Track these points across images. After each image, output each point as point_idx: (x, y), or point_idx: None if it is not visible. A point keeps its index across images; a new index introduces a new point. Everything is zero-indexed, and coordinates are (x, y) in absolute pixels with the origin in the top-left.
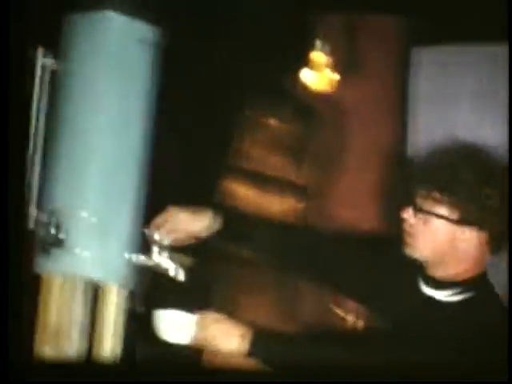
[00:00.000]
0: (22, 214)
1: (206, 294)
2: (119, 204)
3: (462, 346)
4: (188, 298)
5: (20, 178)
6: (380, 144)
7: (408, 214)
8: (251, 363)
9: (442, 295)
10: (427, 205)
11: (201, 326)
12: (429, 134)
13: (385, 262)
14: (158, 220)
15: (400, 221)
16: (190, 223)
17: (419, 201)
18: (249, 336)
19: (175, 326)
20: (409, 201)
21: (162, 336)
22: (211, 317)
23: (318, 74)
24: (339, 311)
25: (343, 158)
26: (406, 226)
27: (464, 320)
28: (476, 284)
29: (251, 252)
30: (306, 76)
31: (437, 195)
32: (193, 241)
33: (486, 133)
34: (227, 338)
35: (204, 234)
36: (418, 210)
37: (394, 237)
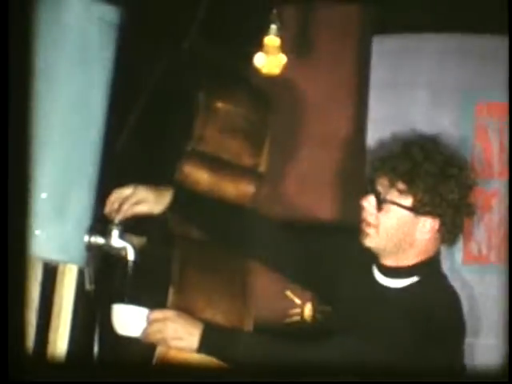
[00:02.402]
0: None
1: (156, 275)
2: (76, 185)
3: (411, 330)
4: (138, 279)
5: None
6: (338, 131)
7: (368, 203)
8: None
9: (394, 283)
10: (388, 194)
11: (151, 321)
12: (388, 123)
13: (340, 250)
14: (116, 195)
15: (358, 209)
16: (150, 199)
17: (379, 190)
18: (199, 332)
19: (127, 319)
20: (368, 189)
21: (115, 328)
22: (162, 313)
23: (272, 59)
24: (295, 298)
25: (300, 145)
26: (365, 215)
27: (410, 304)
28: (423, 269)
29: (200, 232)
30: (260, 60)
31: (399, 185)
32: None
33: (444, 123)
34: (177, 335)
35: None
36: (379, 198)
37: (349, 225)
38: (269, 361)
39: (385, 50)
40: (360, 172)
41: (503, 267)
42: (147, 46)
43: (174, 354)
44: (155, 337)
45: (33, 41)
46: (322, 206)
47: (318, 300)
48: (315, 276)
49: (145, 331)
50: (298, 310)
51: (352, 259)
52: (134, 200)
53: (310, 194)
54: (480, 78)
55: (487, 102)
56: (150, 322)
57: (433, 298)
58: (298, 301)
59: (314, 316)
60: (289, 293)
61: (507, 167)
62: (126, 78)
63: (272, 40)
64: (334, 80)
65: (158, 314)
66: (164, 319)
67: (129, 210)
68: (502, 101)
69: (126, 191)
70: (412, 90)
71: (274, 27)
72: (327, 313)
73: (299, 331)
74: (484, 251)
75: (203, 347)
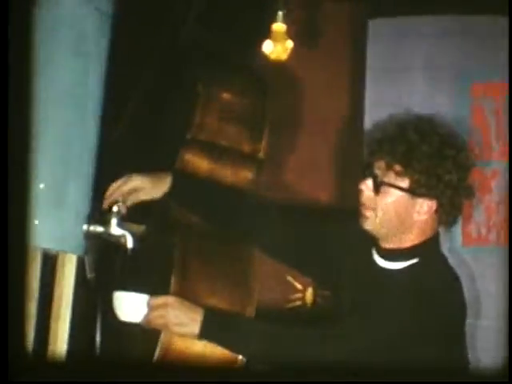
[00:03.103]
0: None
1: (158, 263)
2: (74, 174)
3: (412, 311)
4: (139, 267)
5: None
6: (336, 116)
7: (365, 186)
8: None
9: (394, 265)
10: (385, 177)
11: (153, 306)
12: (386, 106)
13: (339, 234)
14: (115, 185)
15: (356, 193)
16: (147, 186)
17: (377, 173)
18: (200, 318)
19: (128, 306)
20: (366, 173)
21: (117, 315)
22: (164, 298)
23: (280, 45)
24: (296, 284)
25: (299, 131)
26: (363, 198)
27: (410, 286)
28: (422, 250)
29: (200, 219)
30: (268, 47)
31: (396, 167)
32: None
33: (440, 104)
34: (179, 320)
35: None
36: (376, 181)
37: (348, 209)
38: (269, 348)
39: (380, 34)
40: (359, 156)
41: (503, 248)
42: (144, 35)
43: (176, 347)
44: (156, 322)
45: (32, 33)
46: (322, 191)
47: (318, 285)
48: (315, 261)
49: (146, 317)
50: (299, 295)
51: (351, 243)
52: (129, 189)
53: (309, 178)
54: (476, 58)
55: (483, 82)
56: (151, 308)
57: (433, 278)
58: (299, 286)
59: (315, 300)
60: (290, 278)
61: (507, 148)
62: (124, 68)
63: (279, 26)
64: (331, 65)
65: (159, 299)
66: (165, 305)
67: (128, 201)
68: (498, 81)
69: (121, 182)
70: (408, 73)
71: (280, 14)
72: (328, 297)
73: (301, 316)
74: (483, 232)
75: (204, 333)
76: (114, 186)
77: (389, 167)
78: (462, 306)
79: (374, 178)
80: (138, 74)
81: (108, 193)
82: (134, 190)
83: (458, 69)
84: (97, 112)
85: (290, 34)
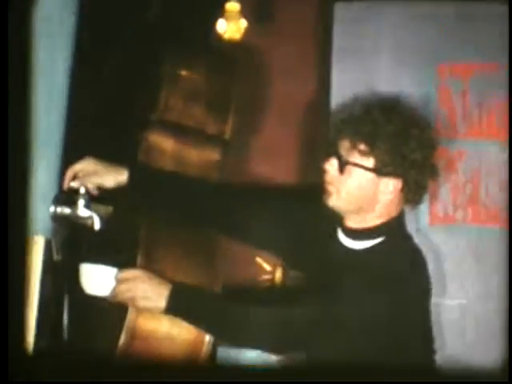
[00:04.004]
0: None
1: (124, 243)
2: (40, 156)
3: (376, 291)
4: (106, 247)
5: None
6: (302, 97)
7: (330, 165)
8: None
9: (358, 245)
10: (350, 156)
11: (120, 279)
12: (351, 87)
13: (303, 214)
14: (74, 168)
15: (321, 172)
16: (104, 176)
17: (341, 152)
18: (167, 293)
19: (96, 278)
20: (331, 152)
21: (84, 288)
22: (132, 272)
23: (233, 24)
24: (265, 265)
25: (264, 111)
26: (328, 177)
27: (374, 265)
28: (386, 229)
29: (160, 210)
30: (222, 26)
31: (360, 147)
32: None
33: (406, 85)
34: (146, 294)
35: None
36: (340, 161)
37: (313, 189)
38: (235, 325)
39: (346, 16)
40: (325, 136)
41: (469, 226)
42: (110, 17)
43: (142, 328)
44: (124, 296)
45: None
46: (286, 172)
47: (288, 265)
48: (281, 241)
49: (113, 290)
50: (268, 277)
51: (317, 223)
52: (84, 172)
53: (274, 160)
54: (442, 39)
55: (450, 63)
56: (119, 281)
57: (397, 257)
58: (267, 267)
59: (284, 281)
60: (258, 259)
61: (474, 129)
62: (90, 51)
63: (232, 6)
64: (296, 46)
65: (127, 273)
66: (134, 278)
67: (83, 182)
68: (465, 62)
69: (78, 165)
70: (374, 54)
71: None
72: (298, 278)
73: (270, 297)
74: (450, 211)
75: (171, 308)
76: (73, 167)
77: (353, 147)
78: (426, 285)
79: (339, 157)
80: (104, 54)
81: (67, 174)
82: (88, 174)
83: (423, 49)
84: (63, 93)
85: (251, 14)
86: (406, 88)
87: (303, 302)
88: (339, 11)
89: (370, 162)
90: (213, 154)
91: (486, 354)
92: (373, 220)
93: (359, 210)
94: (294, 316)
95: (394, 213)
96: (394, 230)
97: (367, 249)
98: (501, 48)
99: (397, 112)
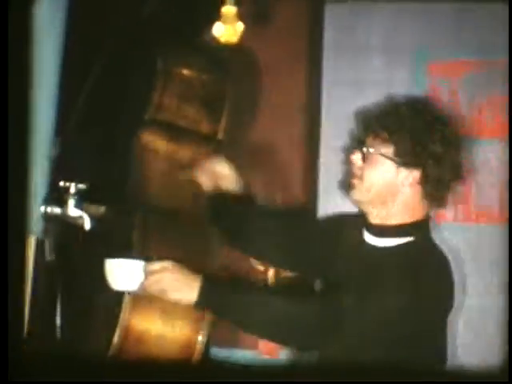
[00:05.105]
0: None
1: (117, 243)
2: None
3: (401, 290)
4: (98, 247)
5: None
6: (294, 97)
7: (355, 157)
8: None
9: (384, 242)
10: (372, 146)
11: (150, 272)
12: (343, 86)
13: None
14: (151, 279)
15: (349, 165)
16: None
17: (366, 144)
18: (198, 285)
19: (123, 273)
20: (357, 146)
21: (111, 285)
22: (161, 264)
23: (230, 28)
24: (258, 266)
25: (257, 111)
26: (353, 169)
27: (401, 263)
28: (413, 230)
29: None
30: (218, 30)
31: (382, 135)
32: None
33: (397, 85)
34: (176, 286)
35: None
36: (364, 151)
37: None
38: (268, 320)
39: (337, 14)
40: (316, 135)
41: (463, 225)
42: (105, 12)
43: (135, 329)
44: (154, 288)
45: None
46: None
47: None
48: (304, 260)
49: (142, 283)
50: (261, 277)
51: (341, 231)
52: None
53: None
54: (433, 38)
55: (441, 62)
56: (148, 274)
57: (426, 260)
58: (260, 268)
59: (276, 282)
60: (252, 260)
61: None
62: (82, 46)
63: (229, 9)
64: (289, 47)
65: (157, 264)
66: (163, 270)
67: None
68: (455, 61)
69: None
70: (365, 52)
71: None
72: (290, 279)
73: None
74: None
75: (202, 300)
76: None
77: (376, 136)
78: (451, 292)
79: (363, 148)
80: (97, 54)
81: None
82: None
83: (414, 48)
84: (54, 89)
85: (245, 16)
86: (396, 87)
87: (334, 301)
88: (329, 11)
89: (390, 150)
90: (205, 154)
91: (485, 354)
92: (395, 216)
93: (382, 202)
94: (323, 313)
95: (420, 214)
96: (422, 231)
97: (394, 247)
98: (491, 46)
99: (423, 108)
